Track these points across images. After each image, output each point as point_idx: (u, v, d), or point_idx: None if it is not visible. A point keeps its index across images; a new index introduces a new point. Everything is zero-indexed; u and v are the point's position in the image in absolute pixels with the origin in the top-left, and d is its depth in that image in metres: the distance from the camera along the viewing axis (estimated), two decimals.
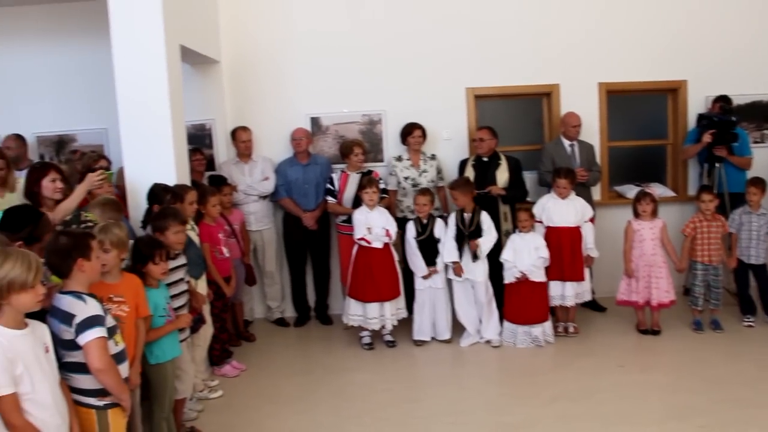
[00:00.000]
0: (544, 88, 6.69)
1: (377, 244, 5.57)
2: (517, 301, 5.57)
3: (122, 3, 4.68)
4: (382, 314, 5.63)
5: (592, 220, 5.87)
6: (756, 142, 6.71)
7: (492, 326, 5.68)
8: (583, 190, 6.08)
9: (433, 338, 5.79)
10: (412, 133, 6.27)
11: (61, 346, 2.80)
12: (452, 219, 5.67)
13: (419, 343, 5.76)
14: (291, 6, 6.54)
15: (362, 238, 5.58)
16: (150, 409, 3.78)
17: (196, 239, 4.66)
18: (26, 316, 2.61)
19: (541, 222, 5.76)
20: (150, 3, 4.66)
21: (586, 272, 5.79)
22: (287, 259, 6.62)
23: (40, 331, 2.68)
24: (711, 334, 5.71)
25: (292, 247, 6.54)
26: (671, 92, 6.86)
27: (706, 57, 6.68)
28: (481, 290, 5.64)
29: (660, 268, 5.64)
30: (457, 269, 5.64)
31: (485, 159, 6.08)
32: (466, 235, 5.57)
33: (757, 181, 5.76)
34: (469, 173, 6.05)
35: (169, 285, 3.98)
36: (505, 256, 5.56)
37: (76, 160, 5.78)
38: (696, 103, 6.73)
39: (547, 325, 5.64)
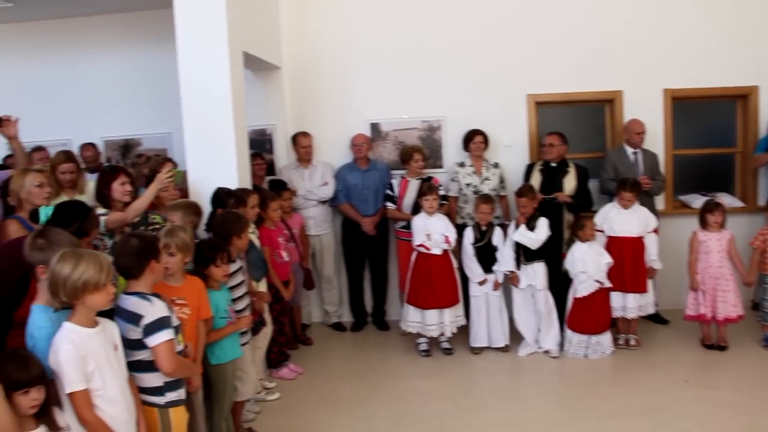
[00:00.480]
0: (608, 95, 6.56)
1: (436, 251, 5.55)
2: (582, 310, 5.47)
3: (188, 11, 4.77)
4: (441, 321, 5.60)
5: (655, 230, 5.73)
6: None
7: (551, 336, 5.59)
8: (646, 199, 5.94)
9: (489, 346, 5.73)
10: (473, 139, 6.24)
11: (127, 345, 2.86)
12: (512, 228, 5.61)
13: (476, 351, 5.71)
14: (351, 13, 6.58)
15: (421, 245, 5.57)
16: (210, 409, 3.84)
17: (257, 242, 4.73)
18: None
19: (602, 231, 5.65)
20: (215, 11, 4.74)
21: (649, 284, 5.65)
22: (345, 264, 6.66)
23: (110, 330, 2.76)
24: None
25: (350, 252, 6.57)
26: (741, 98, 6.64)
27: None
28: (541, 299, 5.56)
29: (727, 281, 5.45)
30: (513, 279, 5.58)
31: (553, 165, 6.01)
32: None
33: None
34: (536, 178, 6.00)
35: (231, 288, 4.05)
36: (580, 268, 5.45)
37: (142, 164, 5.94)
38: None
39: (608, 335, 5.52)
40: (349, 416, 4.63)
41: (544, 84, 6.51)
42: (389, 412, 4.68)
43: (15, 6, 6.21)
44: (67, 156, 5.12)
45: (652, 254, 5.62)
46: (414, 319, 5.65)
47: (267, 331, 4.82)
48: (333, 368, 5.62)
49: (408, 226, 5.85)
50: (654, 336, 5.93)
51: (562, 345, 5.61)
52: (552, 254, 5.60)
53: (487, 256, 5.64)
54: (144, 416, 2.90)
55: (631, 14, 6.47)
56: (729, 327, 5.56)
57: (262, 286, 4.73)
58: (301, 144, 6.37)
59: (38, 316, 2.67)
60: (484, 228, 5.66)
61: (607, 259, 5.43)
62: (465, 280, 5.76)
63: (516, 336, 5.71)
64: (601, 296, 5.45)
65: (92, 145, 6.55)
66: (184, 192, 4.87)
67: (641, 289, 5.57)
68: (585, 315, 5.45)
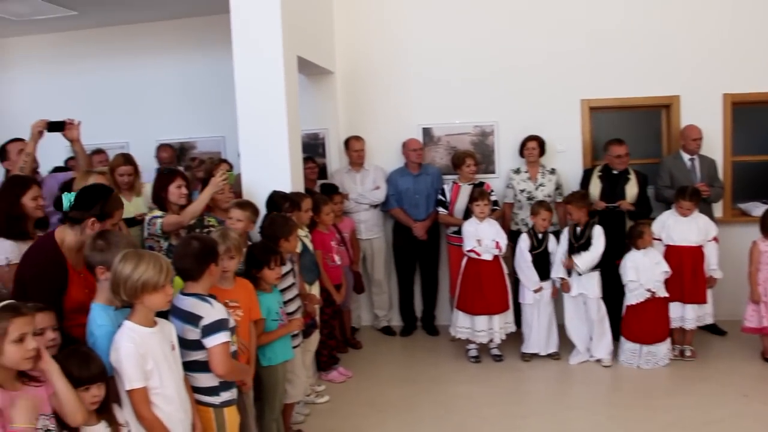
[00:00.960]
0: (664, 100, 6.42)
1: (487, 257, 5.51)
2: (635, 318, 5.35)
3: (244, 17, 4.84)
4: (491, 327, 5.56)
5: (715, 238, 5.57)
6: None
7: (603, 345, 5.48)
8: (704, 206, 5.78)
9: (540, 354, 5.66)
10: (526, 145, 6.18)
11: (183, 345, 2.91)
12: (565, 234, 5.54)
13: (527, 358, 5.65)
14: (404, 17, 6.59)
15: (472, 250, 5.54)
16: (261, 410, 3.88)
17: (310, 246, 4.77)
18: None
19: (660, 240, 5.53)
20: (270, 17, 4.80)
21: (709, 294, 5.51)
22: (396, 268, 6.66)
23: (168, 330, 2.82)
24: None
25: (401, 256, 6.58)
26: None
27: None
28: (594, 307, 5.47)
29: None
30: (565, 286, 5.51)
31: (615, 171, 5.91)
32: (576, 247, 5.43)
33: None
34: (596, 185, 5.90)
35: (282, 290, 4.09)
36: (630, 276, 5.34)
37: (195, 167, 6.03)
38: None
39: (665, 346, 5.40)
40: (397, 421, 4.62)
41: (599, 89, 6.41)
42: (437, 418, 4.65)
43: (78, 14, 6.40)
44: (125, 159, 5.24)
45: (711, 263, 5.48)
46: (463, 324, 5.63)
47: (315, 334, 4.85)
48: (382, 372, 5.62)
49: (459, 232, 5.81)
50: (710, 347, 5.77)
51: (614, 354, 5.50)
52: (610, 262, 5.49)
53: (543, 264, 5.58)
54: (199, 416, 2.95)
55: (689, 16, 6.31)
56: None
57: (314, 290, 4.77)
58: (354, 148, 6.41)
59: (98, 314, 2.74)
60: (540, 235, 5.60)
61: (663, 268, 5.31)
62: (515, 286, 5.71)
63: (567, 344, 5.63)
64: (656, 305, 5.32)
65: (169, 146, 6.69)
66: (238, 195, 4.93)
67: (700, 300, 5.43)
68: (638, 324, 5.34)
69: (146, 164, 6.14)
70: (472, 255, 5.55)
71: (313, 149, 6.54)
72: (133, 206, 4.98)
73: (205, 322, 2.92)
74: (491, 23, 6.49)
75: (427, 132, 6.64)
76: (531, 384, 5.34)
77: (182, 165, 6.99)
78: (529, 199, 6.06)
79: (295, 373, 4.18)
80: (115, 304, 2.69)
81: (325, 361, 5.38)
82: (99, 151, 5.97)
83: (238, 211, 4.16)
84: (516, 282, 5.71)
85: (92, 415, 2.51)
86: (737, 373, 5.23)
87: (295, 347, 4.10)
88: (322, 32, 6.31)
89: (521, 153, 6.27)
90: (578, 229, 5.48)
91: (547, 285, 5.59)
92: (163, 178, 4.42)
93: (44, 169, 5.40)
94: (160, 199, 4.36)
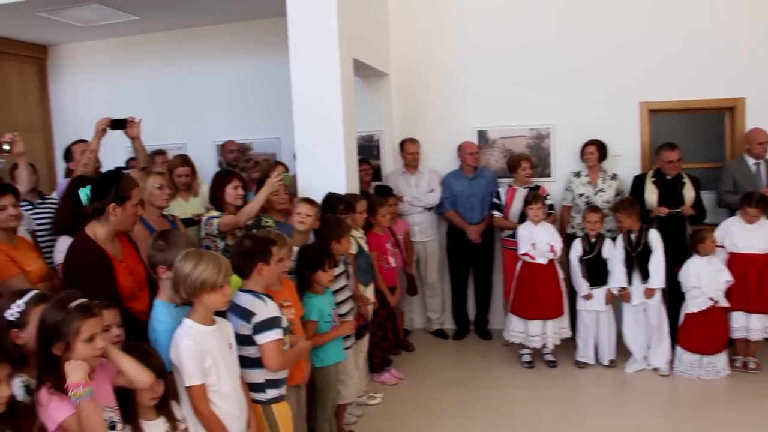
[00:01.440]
0: (728, 102, 6.21)
1: (541, 260, 5.45)
2: (694, 327, 5.20)
3: (300, 20, 4.89)
4: (545, 332, 5.48)
5: None
6: None
7: (662, 353, 5.34)
8: None
9: (595, 361, 5.56)
10: (585, 149, 6.08)
11: (237, 340, 2.95)
12: (620, 242, 5.42)
13: (581, 365, 5.55)
14: (459, 20, 6.55)
15: (526, 254, 5.48)
16: (314, 410, 3.90)
17: (365, 247, 4.78)
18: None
19: (723, 247, 5.36)
20: (326, 20, 4.83)
21: None
22: (449, 271, 6.63)
23: (226, 329, 2.86)
24: None
25: (455, 259, 6.54)
26: None
27: None
28: (654, 314, 5.33)
29: None
30: (625, 296, 5.39)
31: (668, 177, 5.75)
32: (634, 257, 5.31)
33: None
34: (652, 191, 5.73)
35: (334, 291, 4.10)
36: (692, 283, 5.19)
37: (250, 168, 6.11)
38: None
39: (724, 357, 5.24)
40: (449, 425, 4.59)
41: (659, 91, 6.23)
42: (489, 422, 4.61)
43: (140, 19, 6.56)
44: (183, 160, 5.36)
45: None
46: (517, 329, 5.56)
47: (366, 336, 4.85)
48: (434, 375, 5.60)
49: (514, 235, 5.75)
50: None
51: (672, 363, 5.36)
52: (669, 268, 5.34)
53: (597, 269, 5.47)
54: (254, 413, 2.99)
55: (755, 15, 6.07)
56: None
57: (369, 291, 4.78)
58: (408, 150, 6.40)
59: (160, 311, 2.82)
60: (593, 239, 5.50)
61: (726, 277, 5.14)
62: (574, 291, 5.62)
63: (624, 351, 5.51)
64: (717, 315, 5.17)
65: (235, 143, 6.77)
66: (293, 196, 4.98)
67: (767, 310, 5.25)
68: (698, 333, 5.19)
69: (203, 165, 6.27)
70: (527, 259, 5.49)
71: (367, 151, 6.57)
72: (190, 206, 5.10)
73: (257, 319, 2.97)
74: (547, 23, 6.38)
75: (482, 135, 6.59)
76: (586, 391, 5.24)
77: (238, 166, 7.09)
78: (587, 203, 5.95)
79: (347, 374, 4.20)
80: (176, 301, 2.75)
81: (377, 363, 5.39)
82: (160, 152, 6.10)
83: (306, 206, 4.18)
84: (572, 287, 5.62)
85: (151, 411, 2.57)
86: None
87: (347, 348, 4.12)
88: (378, 34, 6.33)
89: (582, 157, 6.17)
90: (633, 236, 5.36)
91: (602, 291, 5.48)
92: (220, 179, 4.49)
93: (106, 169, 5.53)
94: (216, 199, 4.43)
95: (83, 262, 3.04)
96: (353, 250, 4.51)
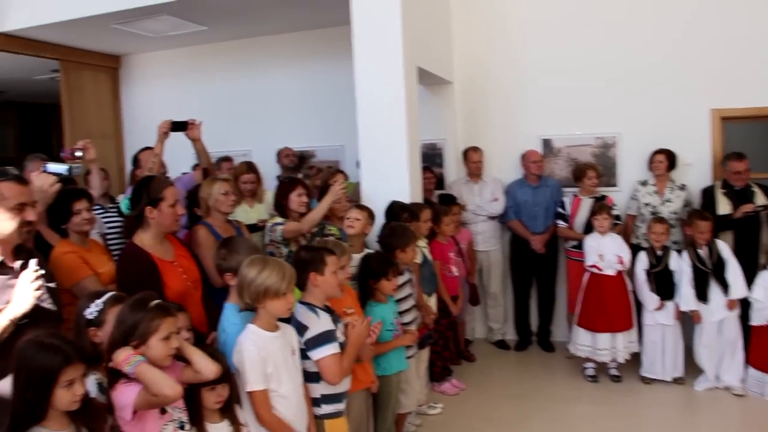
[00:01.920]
0: None
1: (609, 272, 5.31)
2: (757, 342, 5.00)
3: (365, 28, 4.91)
4: (613, 346, 5.33)
5: None
6: None
7: (734, 371, 5.13)
8: None
9: (662, 378, 5.37)
10: (653, 158, 5.92)
11: None
12: (686, 259, 5.22)
13: (647, 381, 5.38)
14: (523, 26, 6.48)
15: (593, 265, 5.36)
16: (375, 419, 3.89)
17: (429, 256, 4.76)
18: None
19: None
20: (391, 28, 4.84)
21: None
22: (512, 281, 6.56)
23: (290, 335, 2.88)
24: None
25: (518, 269, 6.47)
26: None
27: None
28: (731, 327, 5.12)
29: None
30: (696, 317, 5.20)
31: (737, 188, 5.54)
32: (711, 271, 5.13)
33: None
34: (724, 203, 5.51)
35: (397, 300, 4.09)
36: (756, 295, 5.00)
37: (313, 175, 6.16)
38: None
39: None
40: None
41: (731, 97, 5.97)
42: None
43: (208, 29, 6.71)
44: (248, 167, 5.45)
45: None
46: (584, 342, 5.43)
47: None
48: (495, 387, 5.53)
49: (579, 246, 5.64)
50: None
51: (744, 381, 5.14)
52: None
53: (665, 282, 5.29)
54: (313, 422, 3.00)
55: None
56: None
57: (432, 300, 4.76)
58: (472, 159, 6.36)
59: (231, 312, 2.88)
60: (659, 252, 5.33)
61: None
62: (638, 304, 5.46)
63: (693, 367, 5.32)
64: None
65: (290, 149, 6.85)
66: (356, 203, 4.99)
67: None
68: (761, 349, 4.97)
69: (268, 172, 6.35)
70: (594, 270, 5.37)
71: (430, 159, 6.54)
72: (255, 212, 5.18)
73: (309, 334, 2.98)
74: (613, 29, 6.22)
75: (546, 143, 6.49)
76: (651, 408, 5.06)
77: (300, 173, 7.15)
78: (653, 213, 5.78)
79: (408, 383, 4.18)
80: (242, 306, 2.79)
81: (438, 373, 5.35)
82: (226, 159, 6.19)
83: (355, 211, 4.23)
84: (637, 299, 5.46)
85: (216, 414, 2.60)
86: None
87: (409, 357, 4.10)
88: (441, 43, 6.31)
89: (650, 166, 6.00)
90: (700, 252, 5.18)
91: (669, 305, 5.30)
92: (285, 186, 4.54)
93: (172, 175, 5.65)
94: (281, 206, 4.47)
95: (130, 268, 3.17)
96: (417, 259, 4.49)
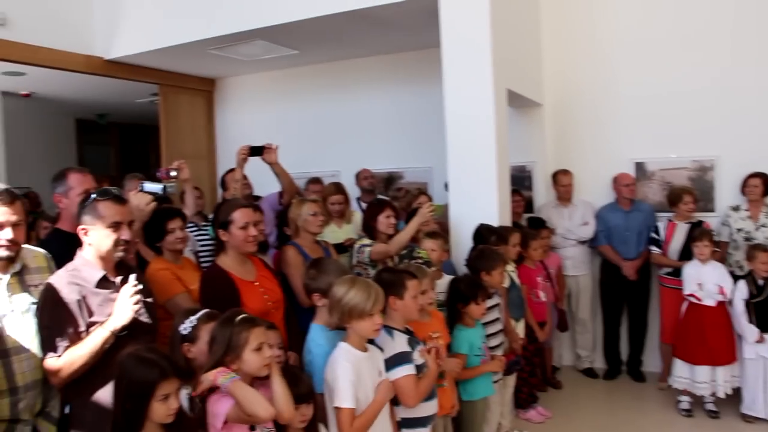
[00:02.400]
0: None
1: (709, 302, 5.08)
2: None
3: (455, 51, 4.91)
4: (713, 379, 5.06)
5: None
6: None
7: None
8: None
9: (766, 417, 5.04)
10: (748, 182, 5.66)
11: None
12: None
13: (748, 419, 5.06)
14: (615, 49, 6.32)
15: (692, 294, 5.13)
16: None
17: (517, 281, 4.70)
18: None
19: None
20: (480, 50, 4.81)
21: None
22: (602, 307, 6.37)
23: (377, 357, 2.89)
24: None
25: (608, 295, 6.28)
26: None
27: None
28: None
29: None
30: None
31: None
32: None
33: None
34: None
35: (485, 324, 4.04)
36: None
37: (401, 197, 6.18)
38: None
39: None
40: None
41: None
42: None
43: (300, 53, 6.87)
44: (336, 188, 5.52)
45: None
46: (681, 374, 5.19)
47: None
48: (583, 416, 5.36)
49: (674, 273, 5.44)
50: None
51: None
52: None
53: (765, 313, 5.01)
54: None
55: None
56: None
57: (520, 326, 4.68)
58: (561, 182, 6.26)
59: (317, 334, 2.92)
60: (760, 281, 5.07)
61: None
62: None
63: None
64: None
65: (369, 171, 6.89)
66: (443, 226, 4.99)
67: None
68: None
69: (356, 193, 6.44)
70: (693, 299, 5.15)
71: (519, 182, 6.46)
72: (343, 233, 5.23)
73: (385, 355, 2.97)
74: (711, 49, 5.98)
75: (639, 166, 6.30)
76: None
77: (388, 194, 7.19)
78: (746, 239, 5.52)
79: (490, 409, 4.11)
80: (331, 325, 2.81)
81: (524, 399, 5.24)
82: (316, 180, 6.28)
83: (430, 242, 4.22)
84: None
85: None
86: None
87: (494, 382, 4.05)
88: (531, 64, 6.26)
89: (743, 190, 5.74)
90: None
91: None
92: (374, 208, 4.56)
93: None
94: (369, 228, 4.50)
95: (211, 287, 3.27)
96: (505, 283, 4.43)
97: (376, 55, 7.23)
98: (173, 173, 4.36)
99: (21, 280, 2.71)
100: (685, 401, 5.28)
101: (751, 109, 5.88)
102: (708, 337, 5.05)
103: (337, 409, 2.70)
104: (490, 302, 4.05)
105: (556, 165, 6.46)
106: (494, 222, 4.71)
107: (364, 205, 5.90)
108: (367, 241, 4.44)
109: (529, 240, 5.11)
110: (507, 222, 5.01)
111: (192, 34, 6.12)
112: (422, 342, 3.20)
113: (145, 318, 2.70)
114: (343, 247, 4.84)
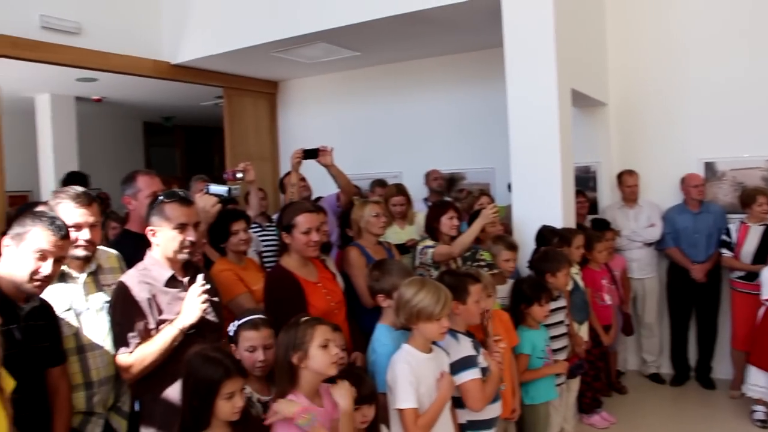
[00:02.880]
0: None
1: None
2: None
3: (518, 51, 4.86)
4: None
5: None
6: None
7: None
8: None
9: None
10: None
11: None
12: None
13: None
14: (683, 45, 6.15)
15: None
16: None
17: (581, 284, 4.63)
18: None
19: None
20: (544, 50, 4.76)
21: None
22: (669, 311, 6.20)
23: (442, 359, 2.89)
24: None
25: (676, 299, 6.12)
26: None
27: None
28: None
29: None
30: None
31: None
32: None
33: None
34: None
35: (548, 326, 3.99)
36: None
37: (463, 198, 6.15)
38: None
39: None
40: None
41: None
42: None
43: (361, 54, 6.90)
44: (398, 189, 5.54)
45: None
46: (757, 382, 4.98)
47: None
48: (648, 423, 5.23)
49: (747, 277, 5.27)
50: None
51: None
52: None
53: None
54: None
55: None
56: None
57: (583, 329, 4.61)
58: (627, 183, 6.13)
59: (382, 333, 2.93)
60: None
61: None
62: None
63: None
64: None
65: (438, 172, 6.89)
66: (507, 227, 4.94)
67: None
68: None
69: (418, 194, 6.43)
70: None
71: (583, 183, 6.34)
72: (405, 234, 5.25)
73: (450, 359, 2.96)
74: None
75: (709, 166, 6.11)
76: None
77: (450, 196, 7.16)
78: None
79: (552, 413, 4.06)
80: (397, 325, 2.82)
81: (588, 404, 5.16)
82: (381, 183, 6.29)
83: (507, 252, 4.19)
84: None
85: None
86: None
87: (558, 386, 3.99)
88: (596, 63, 6.15)
89: None
90: None
91: None
92: (436, 209, 4.57)
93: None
94: (432, 229, 4.50)
95: (276, 287, 3.32)
96: (569, 286, 4.36)
97: (437, 56, 7.21)
98: (239, 174, 4.44)
99: (96, 280, 2.82)
100: (760, 411, 5.08)
101: None
102: None
103: (400, 410, 2.70)
104: (553, 305, 4.00)
105: (621, 165, 6.33)
106: (558, 224, 4.65)
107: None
108: (429, 242, 4.45)
109: (593, 242, 5.02)
110: (571, 224, 4.93)
111: (256, 38, 6.23)
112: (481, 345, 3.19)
113: (212, 317, 2.76)
114: (406, 248, 4.85)
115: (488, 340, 3.23)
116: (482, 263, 4.04)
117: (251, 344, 2.72)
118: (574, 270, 4.61)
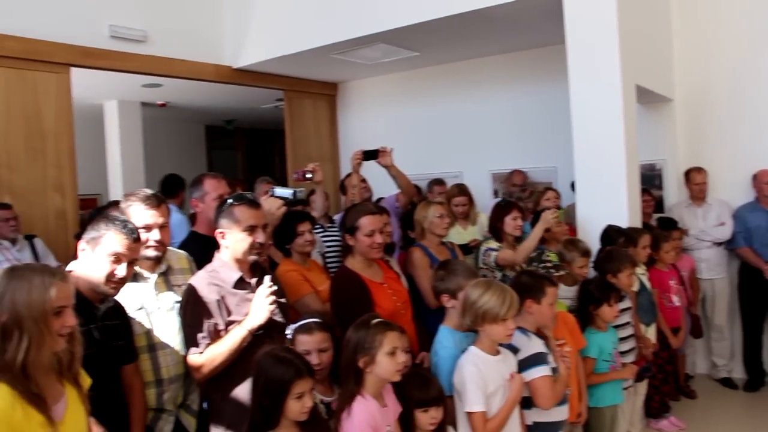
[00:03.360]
0: None
1: None
2: None
3: (581, 47, 4.78)
4: None
5: None
6: None
7: None
8: None
9: None
10: None
11: None
12: None
13: None
14: (754, 37, 5.93)
15: None
16: None
17: (647, 284, 4.53)
18: None
19: None
20: (608, 46, 4.67)
21: None
22: (741, 313, 6.00)
23: (510, 361, 2.87)
24: None
25: (748, 301, 5.91)
26: None
27: None
28: None
29: None
30: None
31: None
32: None
33: None
34: None
35: (616, 327, 3.92)
36: None
37: (526, 198, 6.08)
38: None
39: None
40: None
41: None
42: None
43: (420, 55, 6.90)
44: (460, 189, 5.52)
45: None
46: None
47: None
48: (720, 429, 5.07)
49: None
50: None
51: None
52: None
53: None
54: None
55: None
56: None
57: (651, 331, 4.51)
58: (695, 180, 5.96)
59: (445, 336, 2.93)
60: None
61: None
62: None
63: None
64: None
65: (521, 172, 6.83)
66: (572, 227, 4.87)
67: None
68: None
69: (479, 194, 6.38)
70: None
71: (649, 181, 6.20)
72: (468, 234, 5.24)
73: (520, 356, 2.95)
74: None
75: None
76: None
77: (513, 196, 7.08)
78: None
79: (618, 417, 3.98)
80: (462, 327, 2.81)
81: (656, 408, 5.03)
82: (439, 182, 6.28)
83: (582, 259, 4.13)
84: None
85: None
86: None
87: (625, 389, 3.92)
88: (661, 58, 6.01)
89: None
90: None
91: None
92: (500, 209, 4.53)
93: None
94: (495, 229, 4.47)
95: (343, 288, 3.34)
96: (635, 287, 4.27)
97: (496, 54, 7.15)
98: (309, 175, 4.50)
99: (166, 280, 2.90)
100: None
101: None
102: None
103: (469, 413, 2.70)
104: (621, 305, 3.92)
105: (688, 162, 6.15)
106: (623, 223, 4.56)
107: None
108: (493, 243, 4.41)
109: (660, 242, 4.89)
110: (636, 223, 4.82)
111: (315, 40, 6.29)
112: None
113: (279, 317, 2.80)
114: (468, 249, 4.82)
115: (551, 342, 3.19)
116: (548, 264, 3.98)
117: (305, 348, 2.77)
118: (641, 270, 4.51)
